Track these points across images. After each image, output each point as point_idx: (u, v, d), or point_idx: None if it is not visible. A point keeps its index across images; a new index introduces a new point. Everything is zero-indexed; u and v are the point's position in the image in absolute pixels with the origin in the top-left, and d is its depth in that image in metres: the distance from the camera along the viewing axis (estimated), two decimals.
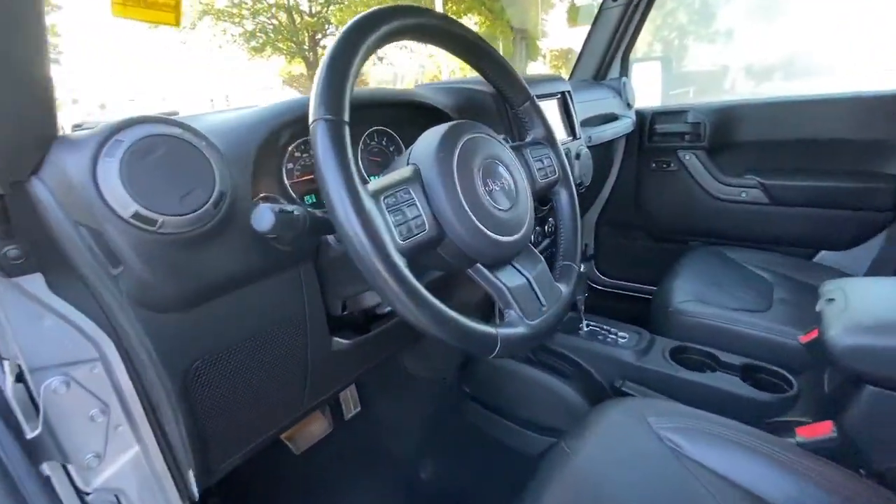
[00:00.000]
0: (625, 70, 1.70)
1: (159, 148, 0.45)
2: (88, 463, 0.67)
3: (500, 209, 0.55)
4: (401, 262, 0.44)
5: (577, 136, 1.15)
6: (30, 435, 0.61)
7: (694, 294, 1.20)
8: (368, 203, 0.43)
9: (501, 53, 0.71)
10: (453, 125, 0.56)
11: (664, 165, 1.65)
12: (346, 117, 0.45)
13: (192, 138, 0.48)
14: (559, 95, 1.12)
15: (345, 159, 0.42)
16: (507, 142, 0.77)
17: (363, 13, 0.50)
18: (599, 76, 1.70)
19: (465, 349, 0.49)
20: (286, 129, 0.67)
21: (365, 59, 0.49)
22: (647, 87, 1.68)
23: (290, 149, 0.68)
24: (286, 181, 0.68)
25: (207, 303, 0.54)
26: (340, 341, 0.75)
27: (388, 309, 0.79)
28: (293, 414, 0.77)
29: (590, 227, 1.94)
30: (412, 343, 1.03)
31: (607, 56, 1.64)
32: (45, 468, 0.63)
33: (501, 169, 0.57)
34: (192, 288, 0.50)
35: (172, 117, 0.49)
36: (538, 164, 0.70)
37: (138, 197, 0.43)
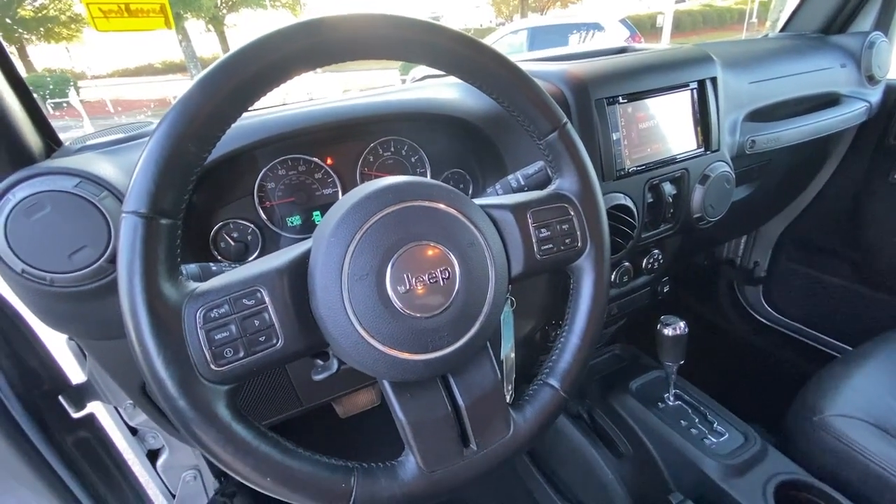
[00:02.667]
0: (886, 18, 1.06)
1: (45, 206, 0.44)
2: (127, 407, 0.82)
3: (420, 315, 0.39)
4: (208, 395, 0.35)
5: (714, 148, 0.78)
6: (80, 381, 0.76)
7: (873, 406, 0.78)
8: (168, 318, 0.34)
9: None
10: (378, 189, 0.40)
11: None
12: (172, 210, 0.35)
13: (87, 191, 0.45)
14: (693, 85, 0.75)
15: (149, 266, 0.34)
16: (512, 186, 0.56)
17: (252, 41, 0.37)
18: (834, 28, 1.10)
19: None
20: (265, 147, 0.60)
21: (240, 111, 0.37)
22: None
23: (266, 168, 0.62)
24: (258, 205, 0.62)
25: None
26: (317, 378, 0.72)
27: None
28: (291, 409, 0.80)
29: (769, 241, 1.42)
30: None
31: None
32: (92, 407, 0.79)
33: (441, 255, 0.40)
34: (107, 330, 0.51)
35: (73, 166, 0.47)
36: (543, 231, 0.48)
37: (23, 255, 0.43)
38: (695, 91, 0.75)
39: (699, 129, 0.76)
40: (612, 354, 1.13)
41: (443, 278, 0.40)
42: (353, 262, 0.37)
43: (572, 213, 0.49)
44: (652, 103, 0.71)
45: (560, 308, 0.89)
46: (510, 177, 0.60)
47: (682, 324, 0.85)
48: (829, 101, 1.00)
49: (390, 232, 0.39)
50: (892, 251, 1.14)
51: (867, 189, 1.15)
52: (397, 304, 0.38)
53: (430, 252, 0.40)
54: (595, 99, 0.65)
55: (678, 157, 0.74)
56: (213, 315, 0.35)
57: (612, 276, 0.84)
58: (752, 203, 1.10)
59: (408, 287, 0.38)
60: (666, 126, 0.73)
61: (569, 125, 0.49)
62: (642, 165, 0.71)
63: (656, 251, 0.88)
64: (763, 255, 1.45)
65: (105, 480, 0.77)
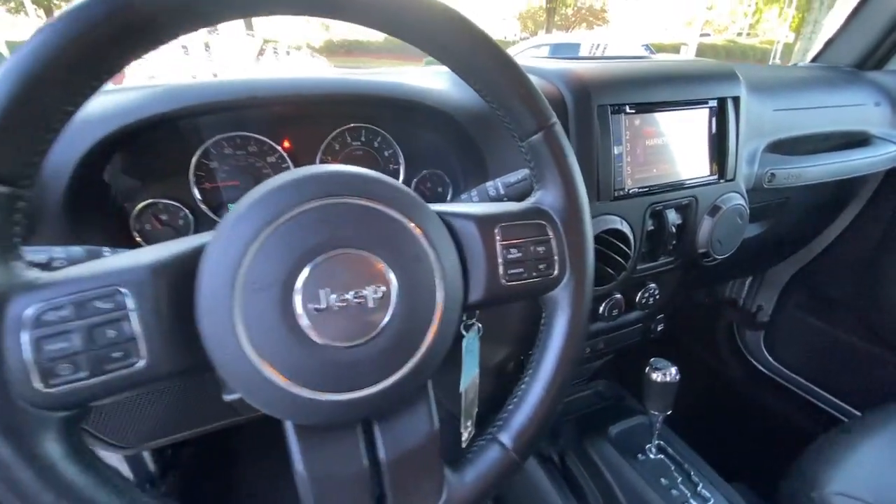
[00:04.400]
0: None
1: None
2: None
3: (338, 344, 0.30)
4: (28, 423, 0.26)
5: (729, 177, 0.69)
6: None
7: (881, 486, 0.68)
8: None
9: None
10: (302, 178, 0.32)
11: None
12: (10, 175, 0.26)
13: None
14: (712, 103, 0.66)
15: None
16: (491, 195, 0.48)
17: None
18: (870, 63, 1.02)
19: None
20: (208, 115, 0.52)
21: (127, 57, 0.28)
22: None
23: (210, 143, 0.53)
24: (194, 185, 0.54)
25: None
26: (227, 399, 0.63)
27: None
28: (218, 421, 0.71)
29: (776, 284, 1.33)
30: None
31: None
32: None
33: (374, 268, 0.31)
34: None
35: None
36: (513, 252, 0.39)
37: None
38: (714, 110, 0.66)
39: (714, 153, 0.67)
40: (595, 391, 1.04)
41: (373, 298, 0.31)
42: (252, 267, 0.29)
43: (551, 234, 0.40)
44: (663, 118, 0.62)
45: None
46: (489, 183, 0.51)
47: (673, 370, 0.76)
48: (858, 140, 0.92)
49: (309, 232, 0.30)
50: None
51: (889, 242, 1.06)
52: (307, 326, 0.29)
53: (359, 263, 0.31)
54: (598, 105, 0.56)
55: (687, 182, 0.65)
56: (49, 318, 0.27)
57: (601, 309, 0.75)
58: (763, 242, 1.01)
59: (324, 306, 0.30)
60: (677, 146, 0.64)
61: (558, 127, 0.40)
62: (645, 187, 0.62)
63: (652, 285, 0.79)
64: (768, 299, 1.35)
65: None
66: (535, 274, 0.40)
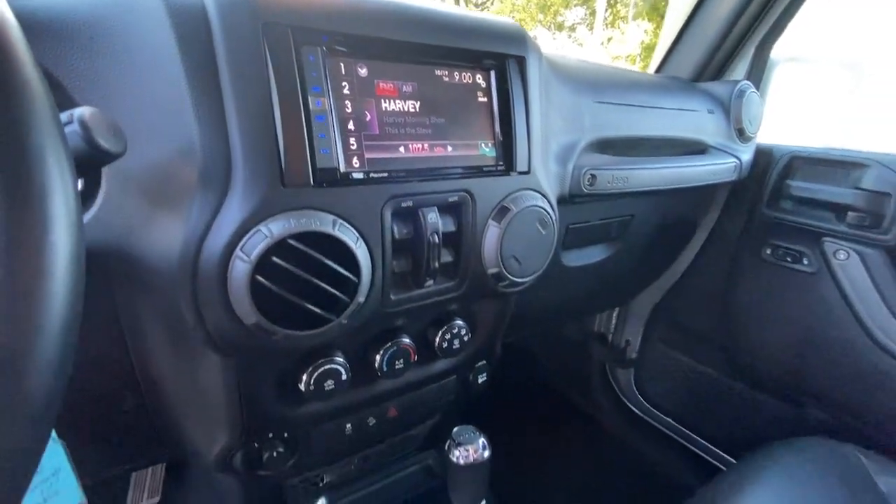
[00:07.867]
0: (757, 71, 0.93)
1: None
2: None
3: None
4: None
5: (522, 168, 0.50)
6: None
7: None
8: None
9: None
10: None
11: (789, 259, 0.87)
12: None
13: None
14: (488, 63, 0.48)
15: None
16: None
17: None
18: (705, 76, 0.96)
19: None
20: None
21: None
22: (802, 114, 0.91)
23: None
24: None
25: None
26: None
27: None
28: None
29: (640, 317, 1.21)
30: None
31: (725, 42, 0.91)
32: None
33: None
34: None
35: None
36: None
37: None
38: (493, 73, 0.48)
39: (499, 135, 0.48)
40: (422, 468, 0.79)
41: None
42: None
43: None
44: (413, 74, 0.42)
45: (283, 403, 0.54)
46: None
47: (480, 442, 0.54)
48: (695, 150, 0.82)
49: None
50: (762, 342, 0.95)
51: (738, 265, 0.97)
52: None
53: None
54: (265, 23, 0.34)
55: (455, 170, 0.45)
56: None
57: (377, 361, 0.51)
58: (615, 269, 0.87)
59: None
60: (438, 117, 0.44)
61: None
62: (383, 172, 0.41)
63: (459, 321, 0.58)
64: (635, 334, 1.23)
65: None
66: None
